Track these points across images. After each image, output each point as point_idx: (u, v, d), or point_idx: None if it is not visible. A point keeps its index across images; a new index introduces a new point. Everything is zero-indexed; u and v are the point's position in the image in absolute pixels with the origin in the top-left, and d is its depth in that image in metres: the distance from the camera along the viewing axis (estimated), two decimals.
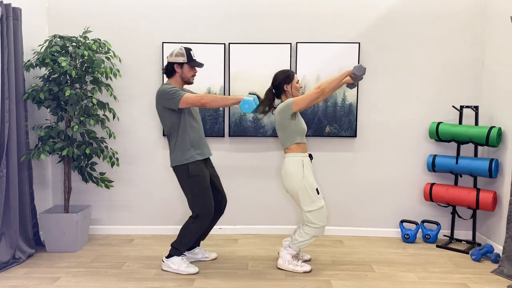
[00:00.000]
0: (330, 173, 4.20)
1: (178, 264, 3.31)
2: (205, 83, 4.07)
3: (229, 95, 4.08)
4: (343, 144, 4.17)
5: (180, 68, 3.21)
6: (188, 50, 3.20)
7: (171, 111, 3.14)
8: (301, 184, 3.19)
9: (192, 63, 3.20)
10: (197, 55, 4.04)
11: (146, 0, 4.10)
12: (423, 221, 4.09)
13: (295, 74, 3.31)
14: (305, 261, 3.53)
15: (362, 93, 4.12)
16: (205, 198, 3.22)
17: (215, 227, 3.98)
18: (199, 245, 3.57)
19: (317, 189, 3.23)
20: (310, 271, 3.33)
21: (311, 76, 4.06)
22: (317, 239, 4.08)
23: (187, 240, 3.28)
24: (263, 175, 4.23)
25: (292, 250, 3.36)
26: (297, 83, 3.31)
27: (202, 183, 3.21)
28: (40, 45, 3.82)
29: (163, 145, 4.20)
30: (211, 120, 4.12)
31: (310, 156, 3.36)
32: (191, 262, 3.47)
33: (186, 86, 3.46)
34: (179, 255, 3.34)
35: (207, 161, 3.38)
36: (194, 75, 3.26)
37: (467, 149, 4.03)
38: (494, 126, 3.66)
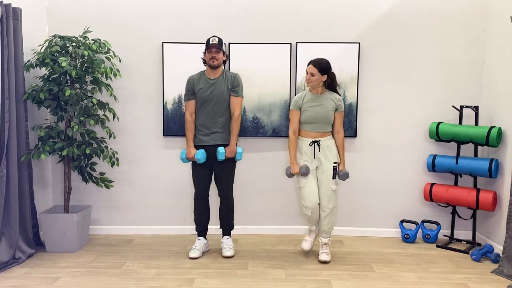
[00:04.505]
0: None
1: (194, 244, 3.72)
2: None
3: None
4: None
5: (204, 56, 3.59)
6: (207, 40, 3.54)
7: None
8: None
9: (206, 48, 3.53)
10: (196, 55, 4.03)
11: (146, 0, 4.10)
12: (423, 221, 4.09)
13: (307, 66, 3.47)
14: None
15: (362, 93, 4.12)
16: (194, 178, 3.66)
17: (215, 227, 3.96)
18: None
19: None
20: (304, 251, 3.70)
21: None
22: (316, 239, 4.08)
23: (194, 217, 3.73)
24: (263, 175, 4.23)
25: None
26: (307, 73, 3.47)
27: (194, 165, 3.66)
28: (40, 45, 3.82)
29: (163, 145, 4.20)
30: None
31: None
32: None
33: (211, 75, 3.61)
34: (198, 236, 3.75)
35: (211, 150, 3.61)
36: (211, 58, 3.50)
37: (467, 149, 4.03)
38: (494, 126, 3.66)
